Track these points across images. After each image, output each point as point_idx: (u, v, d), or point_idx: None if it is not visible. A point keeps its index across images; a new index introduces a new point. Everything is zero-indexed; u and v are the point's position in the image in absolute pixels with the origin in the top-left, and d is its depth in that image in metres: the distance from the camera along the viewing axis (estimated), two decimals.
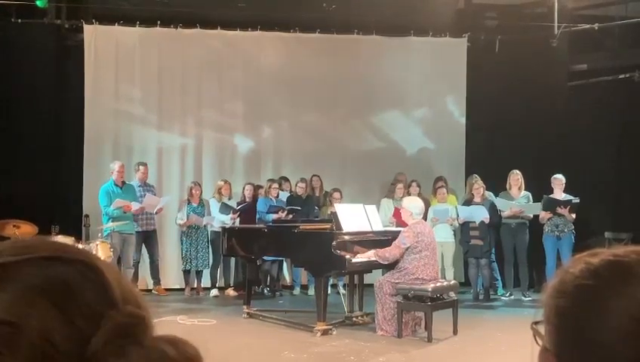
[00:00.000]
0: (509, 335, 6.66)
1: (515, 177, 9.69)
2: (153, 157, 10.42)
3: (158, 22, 10.44)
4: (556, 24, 10.28)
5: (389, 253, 7.00)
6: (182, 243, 9.92)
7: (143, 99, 10.63)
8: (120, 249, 8.91)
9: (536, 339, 0.87)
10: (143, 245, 9.72)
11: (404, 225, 7.52)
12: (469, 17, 11.25)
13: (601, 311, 0.80)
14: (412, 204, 7.31)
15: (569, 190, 9.42)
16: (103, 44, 10.43)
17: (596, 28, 10.53)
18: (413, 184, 10.13)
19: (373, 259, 7.11)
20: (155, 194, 9.71)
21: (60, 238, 7.04)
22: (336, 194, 9.92)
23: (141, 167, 9.74)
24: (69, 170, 10.21)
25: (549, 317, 0.85)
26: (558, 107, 10.85)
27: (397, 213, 9.37)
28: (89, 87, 10.30)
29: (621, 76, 10.85)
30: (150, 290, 9.83)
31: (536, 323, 0.87)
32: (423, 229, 7.09)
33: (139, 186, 9.63)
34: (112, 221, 8.87)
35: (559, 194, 9.41)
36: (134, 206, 9.10)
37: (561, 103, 10.90)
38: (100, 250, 7.61)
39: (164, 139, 10.69)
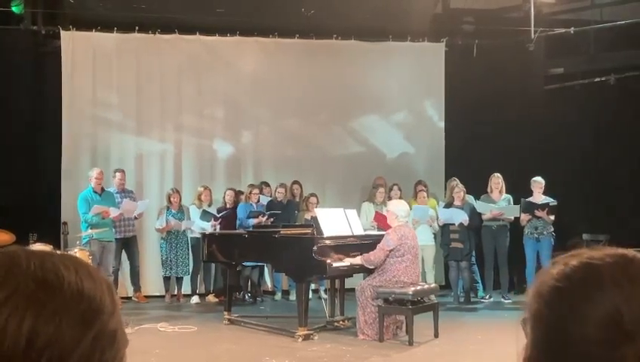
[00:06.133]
0: (490, 338, 6.71)
1: (496, 180, 9.77)
2: (132, 164, 10.35)
3: (136, 27, 10.38)
4: (533, 28, 10.39)
5: (374, 257, 7.02)
6: (162, 250, 9.86)
7: (121, 105, 10.55)
8: (99, 256, 8.83)
9: (525, 333, 0.89)
10: (123, 251, 9.65)
11: (385, 228, 7.54)
12: (447, 22, 11.33)
13: (574, 315, 0.82)
14: (398, 208, 7.32)
15: (548, 192, 9.51)
16: (80, 50, 10.34)
17: (572, 32, 10.66)
18: (395, 188, 10.18)
19: (359, 263, 7.12)
20: (134, 200, 9.64)
21: (38, 246, 6.97)
22: (313, 199, 9.93)
23: (117, 174, 9.66)
24: (46, 176, 10.10)
25: (529, 318, 0.87)
26: (536, 110, 10.95)
27: (378, 217, 9.40)
28: (66, 93, 10.20)
29: (597, 79, 10.99)
30: (130, 298, 9.75)
31: (524, 320, 0.90)
32: (407, 233, 7.11)
33: (117, 193, 9.55)
34: (91, 228, 8.79)
35: (538, 196, 9.49)
36: (113, 212, 9.03)
37: (538, 107, 11.01)
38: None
39: (143, 145, 10.62)
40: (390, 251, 6.94)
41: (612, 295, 0.81)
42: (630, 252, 0.88)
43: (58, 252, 0.81)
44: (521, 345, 0.89)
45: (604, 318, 0.80)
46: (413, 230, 7.60)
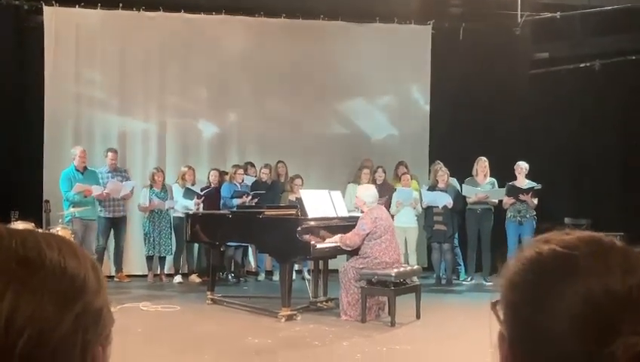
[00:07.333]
0: (471, 319, 6.76)
1: (482, 164, 9.82)
2: (115, 142, 10.25)
3: (120, 4, 10.23)
4: (519, 12, 10.39)
5: (349, 241, 7.05)
6: (144, 228, 9.82)
7: (104, 83, 10.45)
8: (81, 235, 8.80)
9: (497, 317, 0.86)
10: (112, 231, 9.62)
11: None
12: (434, 4, 11.28)
13: (546, 307, 0.79)
14: (365, 193, 7.34)
15: (531, 176, 9.58)
16: (63, 26, 10.20)
17: (558, 17, 10.67)
18: (379, 170, 10.20)
19: (337, 245, 7.16)
20: (128, 179, 9.61)
21: (20, 224, 6.91)
22: (298, 181, 9.92)
23: (109, 153, 9.63)
24: (28, 154, 9.99)
25: (503, 309, 0.85)
26: (521, 95, 10.99)
27: None
28: (49, 70, 10.07)
29: (582, 65, 11.03)
30: (112, 277, 9.72)
31: (495, 303, 0.87)
32: (380, 214, 7.16)
33: (108, 172, 9.51)
34: (73, 207, 8.75)
35: (522, 180, 9.56)
36: (95, 190, 8.98)
37: (523, 91, 11.05)
38: None
39: (127, 123, 10.53)
40: (366, 235, 6.98)
41: (590, 286, 0.77)
42: (605, 237, 0.83)
43: (41, 230, 0.80)
44: (495, 332, 0.86)
45: (583, 312, 0.76)
46: (385, 210, 7.63)
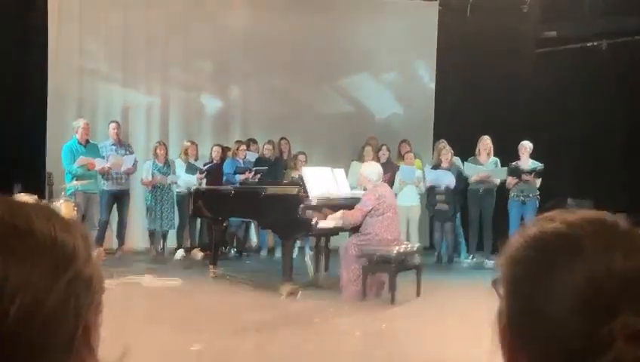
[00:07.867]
0: (471, 298, 6.78)
1: (485, 143, 9.78)
2: (118, 116, 10.24)
3: None
4: None
5: (352, 217, 7.05)
6: (147, 203, 9.83)
7: (107, 56, 10.41)
8: (84, 208, 8.81)
9: (498, 294, 0.86)
10: (115, 204, 9.64)
11: None
12: None
13: (547, 285, 0.79)
14: (368, 170, 7.32)
15: (535, 156, 9.55)
16: None
17: None
18: (383, 148, 10.17)
19: (340, 222, 7.16)
20: (132, 153, 9.59)
21: (23, 196, 6.92)
22: (302, 157, 9.90)
23: (112, 125, 9.61)
24: (32, 127, 9.99)
25: (503, 283, 0.85)
26: (527, 73, 10.91)
27: None
28: (53, 42, 10.03)
29: (589, 44, 10.94)
30: (115, 251, 9.75)
31: (496, 281, 0.87)
32: (384, 192, 7.16)
33: (113, 145, 9.50)
34: (76, 180, 8.75)
35: (525, 160, 9.54)
36: (98, 163, 8.98)
37: (529, 70, 10.96)
38: (64, 209, 7.51)
39: (130, 97, 10.51)
40: (369, 211, 6.99)
41: (592, 266, 0.77)
42: (609, 217, 0.83)
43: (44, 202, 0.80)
44: (494, 309, 0.86)
45: (584, 291, 0.76)
46: (389, 188, 7.63)
